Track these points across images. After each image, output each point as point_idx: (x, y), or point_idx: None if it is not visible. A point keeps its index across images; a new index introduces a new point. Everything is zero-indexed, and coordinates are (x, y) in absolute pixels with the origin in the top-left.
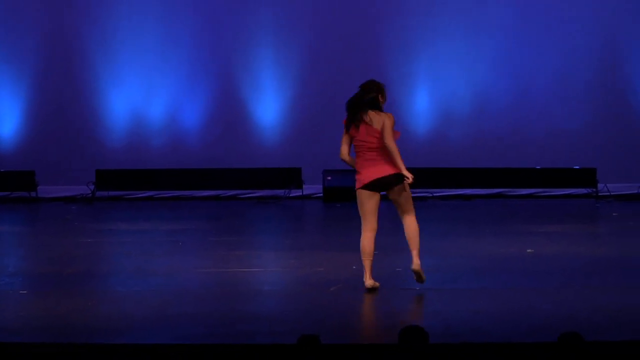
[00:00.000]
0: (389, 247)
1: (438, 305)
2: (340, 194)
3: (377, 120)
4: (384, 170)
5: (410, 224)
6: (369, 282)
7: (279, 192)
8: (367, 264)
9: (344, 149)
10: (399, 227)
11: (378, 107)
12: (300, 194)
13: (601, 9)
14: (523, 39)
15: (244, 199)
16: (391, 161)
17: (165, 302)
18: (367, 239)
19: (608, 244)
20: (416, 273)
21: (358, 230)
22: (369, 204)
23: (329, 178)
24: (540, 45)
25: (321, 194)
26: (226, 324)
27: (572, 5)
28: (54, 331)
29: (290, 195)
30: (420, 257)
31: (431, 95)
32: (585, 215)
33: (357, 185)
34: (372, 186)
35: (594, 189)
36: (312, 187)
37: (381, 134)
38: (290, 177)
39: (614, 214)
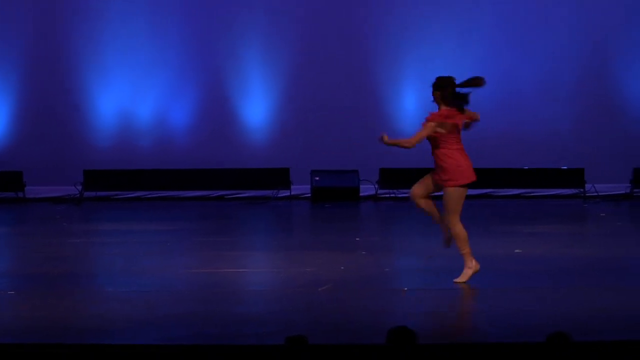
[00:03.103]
0: (376, 248)
1: (426, 305)
2: (328, 194)
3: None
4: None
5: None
6: (477, 264)
7: (267, 192)
8: (469, 249)
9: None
10: (385, 227)
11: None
12: (289, 194)
13: (589, 10)
14: (511, 39)
15: (232, 200)
16: None
17: (154, 303)
18: (462, 226)
19: (596, 245)
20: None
21: (346, 230)
22: (464, 197)
23: (317, 178)
24: (528, 45)
25: (309, 194)
26: (214, 324)
27: (560, 6)
28: (42, 332)
29: (279, 195)
30: (403, 257)
31: (419, 96)
32: (573, 215)
33: (463, 181)
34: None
35: (582, 189)
36: (300, 188)
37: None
38: (278, 177)
39: (601, 215)
